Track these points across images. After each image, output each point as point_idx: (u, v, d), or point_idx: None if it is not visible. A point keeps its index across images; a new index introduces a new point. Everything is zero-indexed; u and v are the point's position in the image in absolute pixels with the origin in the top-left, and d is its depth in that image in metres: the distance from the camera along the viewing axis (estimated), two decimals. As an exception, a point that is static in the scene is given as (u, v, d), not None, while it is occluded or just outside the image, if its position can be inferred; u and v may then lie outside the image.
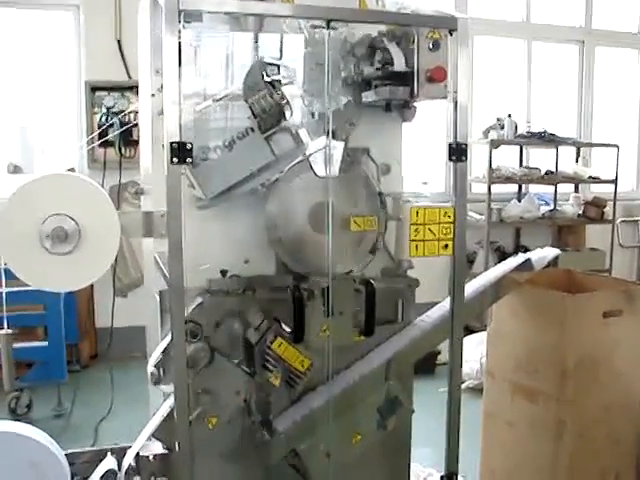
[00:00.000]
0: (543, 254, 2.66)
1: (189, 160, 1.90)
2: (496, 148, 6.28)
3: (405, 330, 2.44)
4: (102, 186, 4.48)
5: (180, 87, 1.89)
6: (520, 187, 7.00)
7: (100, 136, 5.57)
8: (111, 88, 5.63)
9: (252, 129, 2.05)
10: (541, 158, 6.98)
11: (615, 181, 6.71)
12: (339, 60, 2.26)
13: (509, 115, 6.54)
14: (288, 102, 2.14)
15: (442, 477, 2.36)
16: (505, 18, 6.97)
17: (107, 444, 3.95)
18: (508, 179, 6.47)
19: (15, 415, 4.60)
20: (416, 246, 2.16)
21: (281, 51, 2.23)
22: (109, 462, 2.19)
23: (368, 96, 2.25)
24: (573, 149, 7.10)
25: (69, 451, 2.19)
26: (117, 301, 4.24)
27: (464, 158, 2.19)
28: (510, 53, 7.02)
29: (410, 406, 2.49)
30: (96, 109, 5.65)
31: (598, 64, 7.41)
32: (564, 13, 7.26)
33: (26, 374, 4.69)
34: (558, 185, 6.87)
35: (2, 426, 2.06)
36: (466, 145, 2.18)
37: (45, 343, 4.71)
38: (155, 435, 2.15)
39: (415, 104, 2.33)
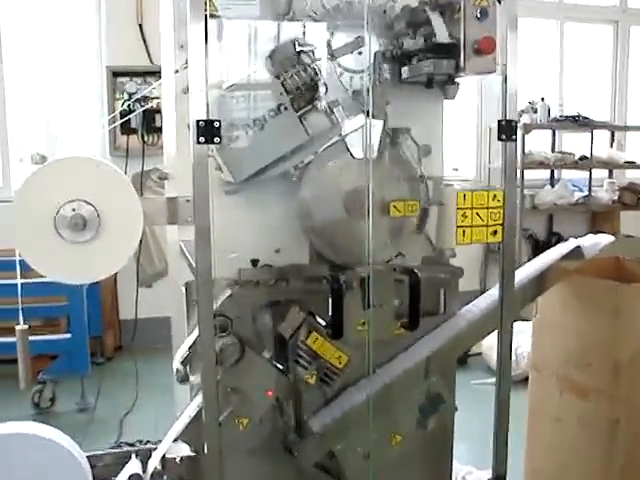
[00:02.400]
0: (595, 240, 2.48)
1: (217, 140, 1.74)
2: (528, 133, 6.09)
3: (448, 322, 2.28)
4: (125, 174, 4.40)
5: (207, 61, 1.73)
6: (553, 172, 6.80)
7: (122, 123, 5.49)
8: (133, 73, 5.51)
9: (285, 107, 1.90)
10: (574, 142, 6.77)
11: (652, 166, 6.50)
12: (377, 33, 2.09)
13: (542, 99, 6.33)
14: (323, 78, 1.98)
15: (489, 480, 2.19)
16: (537, -2, 6.76)
17: (132, 439, 3.90)
18: (541, 164, 6.28)
19: (38, 409, 4.53)
20: (463, 232, 1.99)
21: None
22: (133, 465, 2.06)
23: (408, 71, 2.08)
24: (607, 133, 6.88)
25: (90, 453, 2.05)
26: (141, 292, 4.15)
27: (514, 137, 2.02)
28: (542, 35, 6.79)
29: (453, 404, 2.32)
30: (118, 95, 5.52)
31: (633, 44, 7.16)
32: (597, -8, 7.03)
33: (49, 367, 4.61)
34: (592, 170, 6.66)
35: (21, 427, 1.93)
36: (517, 122, 2.01)
37: (68, 335, 4.61)
38: (182, 438, 2.01)
39: (458, 80, 2.15)
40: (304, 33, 2.05)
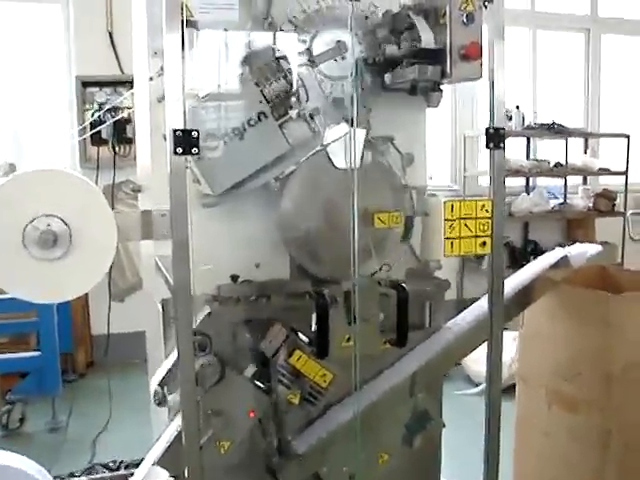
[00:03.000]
0: (582, 250, 2.43)
1: (195, 150, 1.65)
2: (502, 140, 6.06)
3: (435, 336, 2.21)
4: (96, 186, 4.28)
5: (184, 67, 1.64)
6: (528, 180, 6.79)
7: (93, 134, 5.37)
8: (103, 83, 5.39)
9: (265, 114, 1.81)
10: (549, 150, 6.78)
11: (626, 172, 6.49)
12: (359, 39, 2.03)
13: (517, 106, 6.32)
14: (304, 85, 1.91)
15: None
16: (509, 6, 6.73)
17: (106, 459, 3.78)
18: (517, 172, 6.27)
19: (7, 430, 4.38)
20: (451, 244, 1.92)
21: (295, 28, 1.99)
22: (109, 493, 1.95)
23: (392, 77, 2.02)
24: (581, 140, 6.90)
25: (64, 482, 1.95)
26: (113, 306, 4.03)
27: (502, 145, 1.96)
28: (515, 42, 6.79)
29: (440, 420, 2.25)
30: (87, 105, 5.41)
31: (605, 52, 7.19)
32: (569, 1, 7.03)
33: (17, 386, 4.47)
34: (567, 177, 6.66)
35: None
36: (504, 130, 1.95)
37: (38, 353, 4.47)
38: (160, 463, 1.91)
39: (442, 87, 2.09)
40: (280, 40, 1.98)
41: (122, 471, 2.98)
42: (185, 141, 1.63)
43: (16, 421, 4.42)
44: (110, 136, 5.06)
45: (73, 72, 5.38)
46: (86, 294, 5.28)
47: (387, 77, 2.03)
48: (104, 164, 4.54)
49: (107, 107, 5.14)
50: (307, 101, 1.93)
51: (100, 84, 5.39)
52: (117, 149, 4.95)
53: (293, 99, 1.90)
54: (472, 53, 1.87)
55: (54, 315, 4.41)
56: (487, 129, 1.96)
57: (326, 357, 1.94)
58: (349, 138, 1.92)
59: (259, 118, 1.82)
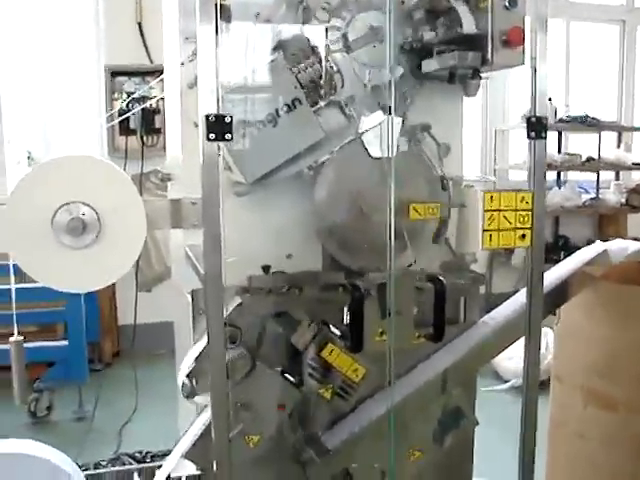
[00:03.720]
0: (623, 245, 2.35)
1: (228, 136, 1.60)
2: (534, 134, 5.96)
3: (470, 331, 2.15)
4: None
5: (217, 51, 1.59)
6: (559, 174, 6.69)
7: (121, 123, 5.36)
8: (132, 73, 5.37)
9: (299, 101, 1.76)
10: (581, 144, 6.66)
11: (660, 168, 6.39)
12: (395, 24, 1.96)
13: (549, 99, 6.21)
14: (339, 71, 1.85)
15: (515, 500, 2.06)
16: (543, -3, 6.62)
17: (131, 450, 3.78)
18: (548, 166, 6.13)
19: (35, 418, 4.40)
20: (490, 236, 1.85)
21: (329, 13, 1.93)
22: (136, 485, 1.92)
23: (430, 65, 1.95)
24: (614, 134, 6.77)
25: (89, 473, 1.92)
26: (140, 296, 4.03)
27: (544, 134, 1.89)
28: (548, 34, 6.67)
29: (473, 417, 2.19)
30: (116, 95, 5.39)
31: (640, 44, 7.06)
32: (604, -9, 6.92)
33: (45, 375, 4.48)
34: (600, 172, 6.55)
35: (18, 446, 1.80)
36: (547, 119, 1.89)
37: (65, 342, 4.48)
38: (188, 456, 1.88)
39: (482, 74, 2.02)
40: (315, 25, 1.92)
41: (149, 462, 2.95)
42: (218, 127, 1.58)
43: (44, 409, 4.45)
44: (138, 126, 5.05)
45: (102, 62, 5.37)
46: (113, 284, 5.31)
47: (425, 64, 1.96)
48: (132, 154, 4.52)
49: (135, 96, 5.15)
50: (342, 88, 1.88)
51: (129, 74, 5.37)
52: (145, 139, 4.93)
53: (328, 86, 1.84)
54: (514, 39, 1.80)
55: (82, 305, 4.41)
56: (529, 118, 1.89)
57: (359, 351, 1.89)
58: (385, 126, 1.86)
59: (294, 105, 1.77)
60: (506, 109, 6.48)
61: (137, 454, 3.71)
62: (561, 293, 2.31)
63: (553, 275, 2.31)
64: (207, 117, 1.58)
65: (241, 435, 1.86)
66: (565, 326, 2.55)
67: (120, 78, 5.42)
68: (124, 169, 4.42)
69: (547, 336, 4.17)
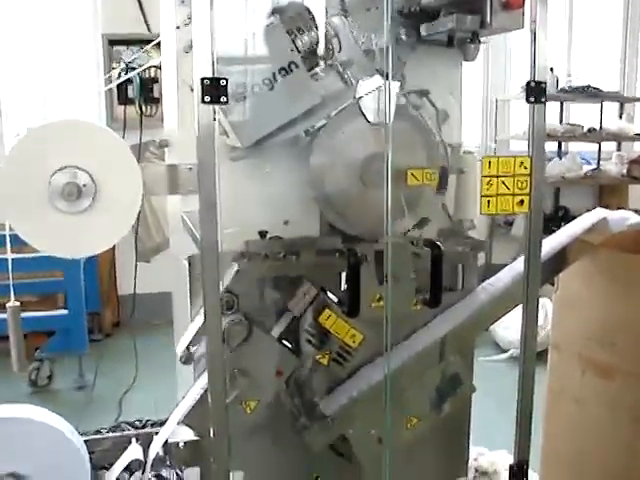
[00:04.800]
0: (624, 215, 2.33)
1: (224, 99, 1.59)
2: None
3: (468, 298, 2.14)
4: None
5: (212, 14, 1.57)
6: (560, 145, 6.65)
7: (119, 93, 5.32)
8: (130, 42, 5.32)
9: (296, 64, 1.74)
10: (583, 114, 6.62)
11: (662, 138, 6.35)
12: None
13: (550, 69, 6.15)
14: (337, 35, 1.83)
15: (511, 467, 2.06)
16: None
17: (131, 418, 3.80)
18: (549, 136, 6.12)
19: (36, 387, 4.43)
20: (488, 202, 1.84)
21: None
22: (134, 450, 1.93)
23: (427, 28, 1.93)
24: (616, 105, 6.71)
25: (88, 437, 1.93)
26: (140, 266, 4.02)
27: (543, 99, 1.87)
28: (550, 2, 6.58)
29: (471, 384, 2.19)
30: (114, 64, 5.35)
31: (644, 13, 6.97)
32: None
33: (45, 344, 4.50)
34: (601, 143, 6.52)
35: (16, 410, 1.80)
36: (545, 84, 1.87)
37: (65, 311, 4.49)
38: (185, 422, 1.88)
39: (482, 39, 2.00)
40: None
41: (148, 429, 2.97)
42: (213, 90, 1.56)
43: (44, 378, 4.48)
44: (137, 95, 5.02)
45: (100, 31, 5.32)
46: (113, 254, 5.31)
47: (423, 28, 1.94)
48: (131, 124, 4.49)
49: (133, 65, 5.11)
50: (340, 52, 1.85)
51: (127, 42, 5.32)
52: (144, 109, 4.89)
53: (325, 51, 1.82)
54: (514, 1, 1.78)
55: (80, 274, 4.42)
56: (528, 82, 1.87)
57: (357, 316, 1.89)
58: (383, 91, 1.84)
59: (290, 68, 1.74)
60: (507, 79, 6.42)
61: (137, 422, 3.72)
62: (559, 260, 2.30)
63: (551, 242, 2.30)
64: (202, 80, 1.56)
65: (238, 401, 1.87)
66: (563, 295, 2.55)
67: (118, 47, 5.37)
68: (123, 138, 4.41)
69: (545, 307, 4.17)
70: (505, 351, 4.89)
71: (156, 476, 2.47)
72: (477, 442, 3.18)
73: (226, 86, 1.58)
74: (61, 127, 1.69)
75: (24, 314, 4.56)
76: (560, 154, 6.57)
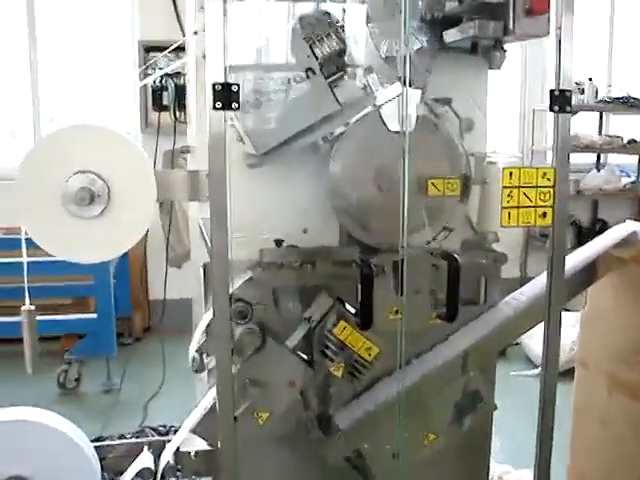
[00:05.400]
0: (657, 228, 2.25)
1: (235, 105, 1.56)
2: (574, 114, 5.81)
3: (490, 312, 2.09)
4: (156, 152, 4.27)
5: (225, 19, 1.55)
6: (599, 157, 6.52)
7: (154, 99, 5.35)
8: (165, 49, 5.34)
9: (313, 71, 1.70)
10: (623, 125, 6.48)
11: None
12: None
13: (590, 79, 6.05)
14: (356, 42, 1.80)
15: (531, 489, 2.00)
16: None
17: (156, 423, 3.80)
18: (587, 148, 6.02)
19: (64, 389, 4.45)
20: (509, 214, 1.79)
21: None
22: (145, 458, 1.91)
23: (450, 35, 1.89)
24: (657, 116, 6.57)
25: (100, 444, 1.92)
26: (171, 272, 4.03)
27: (568, 108, 1.81)
28: (591, 9, 6.46)
29: (492, 401, 2.13)
30: (150, 71, 5.38)
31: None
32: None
33: (74, 347, 4.53)
34: (642, 155, 6.38)
35: (27, 414, 1.80)
36: (571, 92, 1.81)
37: (94, 315, 4.51)
38: (196, 431, 1.86)
39: (506, 46, 1.95)
40: None
41: (170, 436, 2.96)
42: (224, 95, 1.54)
43: (72, 381, 4.50)
44: (171, 102, 5.05)
45: (136, 37, 5.36)
46: (144, 259, 5.31)
47: (446, 35, 1.90)
48: (165, 130, 4.52)
49: (167, 71, 5.14)
50: (359, 58, 1.82)
51: (162, 49, 5.34)
52: (178, 115, 4.91)
53: (344, 56, 1.78)
54: (538, 7, 1.72)
55: (110, 279, 4.43)
56: (552, 91, 1.81)
57: (369, 329, 1.84)
58: (402, 99, 1.80)
59: (307, 75, 1.72)
60: (545, 88, 6.31)
61: (161, 428, 3.72)
62: (588, 274, 2.23)
63: (580, 255, 2.23)
64: (214, 86, 1.54)
65: (250, 412, 1.83)
66: (591, 310, 2.47)
67: (154, 54, 5.39)
68: (157, 145, 4.45)
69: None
70: (537, 366, 4.77)
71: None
72: (503, 460, 3.11)
73: (238, 92, 1.55)
74: (76, 132, 1.68)
75: (56, 317, 4.64)
76: (598, 166, 6.44)
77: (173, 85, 5.13)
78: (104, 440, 3.54)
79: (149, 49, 5.36)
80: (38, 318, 4.57)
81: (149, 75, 5.41)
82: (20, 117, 5.45)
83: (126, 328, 5.34)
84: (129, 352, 4.76)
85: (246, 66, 1.72)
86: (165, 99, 5.26)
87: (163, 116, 4.85)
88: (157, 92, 5.27)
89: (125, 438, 3.62)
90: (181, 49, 5.33)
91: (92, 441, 3.45)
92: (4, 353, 4.62)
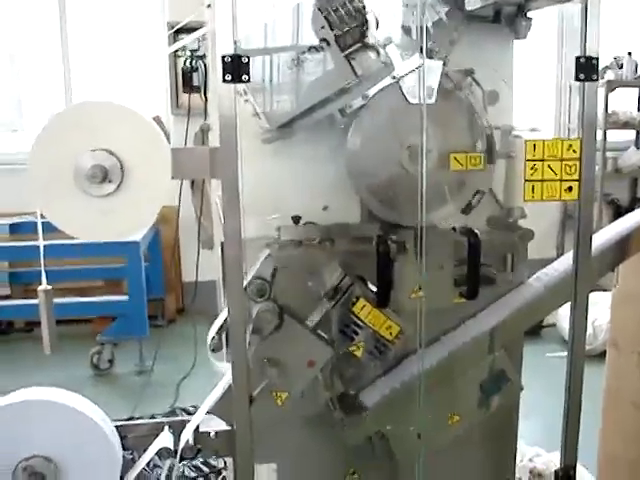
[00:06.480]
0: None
1: (245, 77, 1.52)
2: (612, 90, 5.67)
3: (516, 291, 2.02)
4: (187, 132, 4.24)
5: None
6: (638, 133, 6.34)
7: (184, 80, 5.35)
8: (195, 30, 5.32)
9: (327, 42, 1.65)
10: (664, 101, 6.30)
11: None
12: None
13: (629, 53, 5.88)
14: (374, 11, 1.74)
15: (556, 472, 1.94)
16: None
17: (188, 404, 3.81)
18: (626, 124, 5.86)
19: (97, 370, 4.51)
20: (532, 187, 1.72)
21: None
22: (164, 438, 1.89)
23: (472, 3, 1.81)
24: (700, 91, 6.37)
25: (121, 423, 1.91)
26: (203, 254, 4.02)
27: (595, 76, 1.73)
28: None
29: (519, 382, 2.08)
30: (180, 53, 5.37)
31: None
32: None
33: (107, 328, 4.58)
34: (683, 131, 6.20)
35: (45, 394, 1.79)
36: (597, 60, 1.73)
37: (125, 297, 4.54)
38: (213, 412, 1.84)
39: (530, 14, 1.88)
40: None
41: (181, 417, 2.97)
42: (234, 68, 1.50)
43: (106, 362, 4.56)
44: (202, 83, 5.04)
45: (165, 18, 5.34)
46: (177, 241, 5.31)
47: (468, 2, 1.83)
48: (195, 111, 4.51)
49: (198, 54, 5.12)
50: (378, 29, 1.76)
51: (192, 30, 5.32)
52: (207, 96, 4.91)
53: (362, 27, 1.73)
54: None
55: (141, 261, 4.45)
56: (577, 58, 1.73)
57: (386, 306, 1.80)
58: (422, 71, 1.74)
59: (322, 46, 1.66)
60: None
61: (191, 408, 3.74)
62: (620, 251, 2.14)
63: (612, 230, 2.15)
64: (223, 58, 1.50)
65: (268, 391, 1.81)
66: (623, 289, 2.39)
67: (183, 35, 5.38)
68: (187, 125, 4.42)
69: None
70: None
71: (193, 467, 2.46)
72: (535, 442, 3.05)
73: (248, 63, 1.51)
74: (88, 109, 1.66)
75: (88, 299, 4.68)
76: (638, 143, 6.27)
77: (203, 66, 5.13)
78: (135, 420, 3.59)
79: (178, 31, 5.34)
80: (70, 300, 4.61)
81: (179, 57, 5.41)
82: (53, 102, 5.48)
83: (159, 310, 5.37)
84: (162, 334, 4.78)
85: (257, 37, 1.67)
86: (195, 80, 5.27)
87: (193, 97, 4.86)
88: (187, 73, 5.28)
89: (156, 418, 3.65)
90: (210, 30, 5.31)
91: (123, 421, 3.52)
92: (39, 335, 4.69)
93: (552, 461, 2.79)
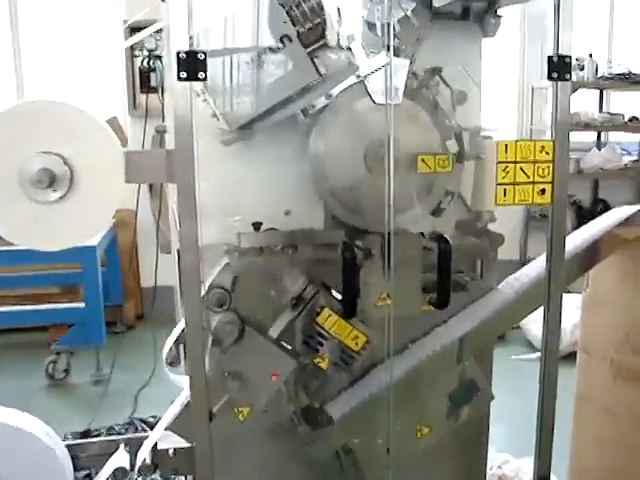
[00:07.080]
0: (662, 207, 2.13)
1: (202, 75, 1.43)
2: (574, 92, 5.67)
3: (487, 297, 1.96)
4: (144, 134, 4.11)
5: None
6: (600, 135, 6.39)
7: (141, 81, 5.23)
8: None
9: (289, 38, 1.56)
10: (624, 103, 6.34)
11: None
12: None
13: (590, 55, 5.90)
14: (338, 8, 1.66)
15: (530, 484, 1.88)
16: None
17: (146, 414, 3.69)
18: (587, 126, 5.88)
19: (52, 380, 4.35)
20: (504, 191, 1.66)
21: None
22: (120, 457, 1.79)
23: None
24: (659, 92, 6.43)
25: (72, 442, 1.80)
26: (162, 258, 3.90)
27: (568, 76, 1.68)
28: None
29: (489, 391, 2.01)
30: (137, 52, 5.24)
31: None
32: None
33: (62, 336, 4.43)
34: (643, 133, 6.24)
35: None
36: (570, 58, 1.67)
37: (82, 304, 4.40)
38: (172, 429, 1.74)
39: (500, 12, 1.82)
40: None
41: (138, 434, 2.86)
42: (189, 64, 1.41)
43: (61, 371, 4.40)
44: (159, 83, 4.91)
45: (122, 17, 5.21)
46: (135, 246, 5.17)
47: (435, -1, 1.76)
48: (153, 112, 4.40)
49: (156, 54, 4.99)
50: (341, 26, 1.68)
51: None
52: (165, 96, 4.79)
53: (325, 24, 1.65)
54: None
55: (97, 266, 4.32)
56: (550, 57, 1.68)
57: (353, 317, 1.72)
58: (387, 69, 1.66)
59: (282, 42, 1.57)
60: (544, 66, 6.16)
61: (151, 418, 3.62)
62: (590, 255, 2.10)
63: (581, 235, 2.10)
64: (178, 54, 1.41)
65: (229, 407, 1.71)
66: (594, 293, 2.35)
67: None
68: (145, 127, 4.30)
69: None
70: (538, 350, 4.66)
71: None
72: (503, 448, 3.00)
73: (205, 60, 1.42)
74: (34, 109, 1.55)
75: (43, 306, 4.53)
76: (599, 145, 6.30)
77: (161, 66, 5.01)
78: (92, 432, 3.47)
79: (135, 29, 5.21)
80: (25, 308, 4.44)
81: (136, 57, 5.28)
82: (3, 101, 5.31)
83: (118, 316, 5.24)
84: (120, 341, 4.65)
85: (214, 34, 1.58)
86: (153, 80, 5.14)
87: (151, 98, 4.73)
88: (145, 73, 5.15)
89: (114, 430, 3.53)
90: (168, 29, 5.19)
91: (80, 434, 3.39)
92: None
93: (521, 468, 2.74)
